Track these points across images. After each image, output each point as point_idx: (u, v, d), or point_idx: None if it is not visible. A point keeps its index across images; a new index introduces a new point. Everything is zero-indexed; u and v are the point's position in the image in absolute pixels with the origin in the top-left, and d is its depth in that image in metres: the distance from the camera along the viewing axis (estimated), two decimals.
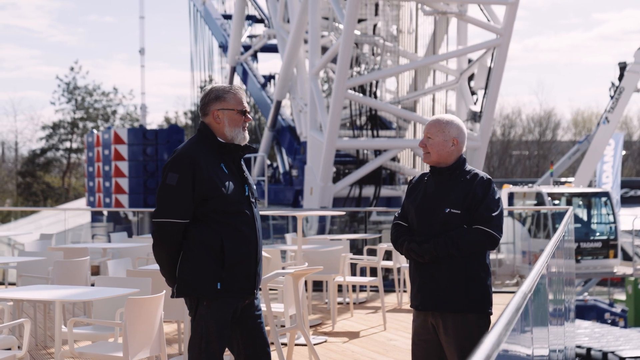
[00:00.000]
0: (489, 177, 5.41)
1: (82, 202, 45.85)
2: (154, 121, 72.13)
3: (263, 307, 8.46)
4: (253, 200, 5.25)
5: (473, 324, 5.24)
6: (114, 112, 63.19)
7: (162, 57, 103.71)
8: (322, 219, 20.80)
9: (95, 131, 32.01)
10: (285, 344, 8.63)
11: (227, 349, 5.34)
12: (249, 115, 5.23)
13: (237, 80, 30.45)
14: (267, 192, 24.93)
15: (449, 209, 5.28)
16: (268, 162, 27.81)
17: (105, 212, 28.30)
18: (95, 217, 29.44)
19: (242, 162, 5.30)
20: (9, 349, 6.58)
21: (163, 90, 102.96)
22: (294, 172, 24.32)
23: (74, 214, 33.89)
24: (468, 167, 5.46)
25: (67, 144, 62.75)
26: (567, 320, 10.25)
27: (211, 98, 5.19)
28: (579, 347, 22.85)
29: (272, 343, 8.12)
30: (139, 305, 6.15)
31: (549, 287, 5.97)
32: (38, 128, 64.08)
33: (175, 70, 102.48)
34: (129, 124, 61.75)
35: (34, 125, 75.10)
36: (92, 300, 7.12)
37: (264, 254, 9.90)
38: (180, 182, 5.03)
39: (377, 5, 22.56)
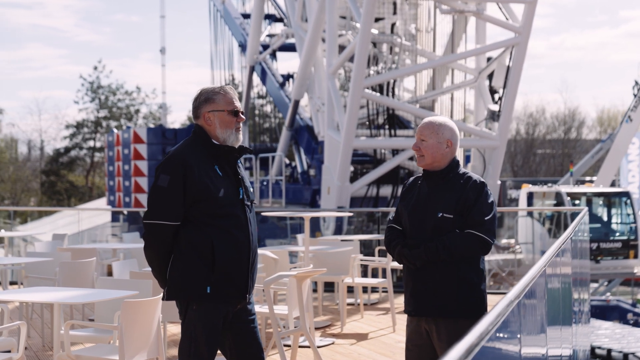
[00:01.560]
0: (482, 180, 5.33)
1: (104, 201, 46.01)
2: (177, 120, 72.22)
3: (265, 309, 8.42)
4: (248, 203, 5.18)
5: (466, 330, 5.15)
6: (137, 112, 63.41)
7: (187, 56, 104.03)
8: (339, 218, 20.73)
9: (115, 130, 32.13)
10: (289, 346, 8.56)
11: (220, 353, 5.30)
12: (241, 116, 5.17)
13: (256, 79, 30.48)
14: (285, 191, 24.89)
15: (441, 213, 5.21)
16: (287, 161, 27.78)
17: (125, 212, 28.38)
18: (115, 216, 29.54)
19: (240, 164, 5.24)
20: (9, 351, 6.56)
21: (188, 89, 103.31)
22: (312, 172, 24.27)
23: (95, 214, 34.01)
24: (462, 170, 5.38)
25: (91, 143, 63.03)
26: (579, 322, 10.14)
27: (201, 101, 5.15)
28: (599, 347, 22.70)
29: (274, 346, 8.08)
30: (135, 308, 6.11)
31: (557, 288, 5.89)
32: (62, 127, 64.31)
33: (201, 68, 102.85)
34: (152, 123, 61.93)
35: (58, 124, 75.44)
36: (90, 302, 7.10)
37: (270, 254, 9.86)
38: (171, 184, 4.99)
39: (395, 4, 22.47)
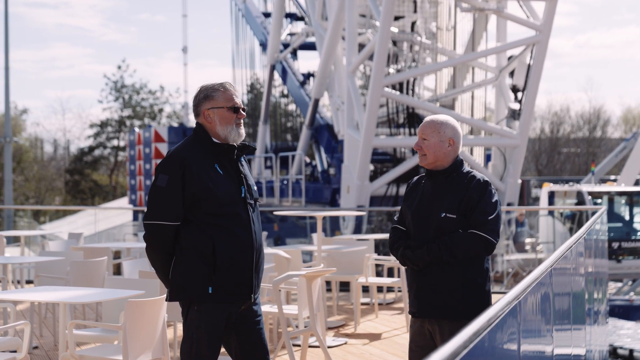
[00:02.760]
0: (486, 179, 5.24)
1: (126, 200, 46.17)
2: None
3: (273, 309, 8.37)
4: (251, 202, 5.12)
5: None
6: (161, 111, 63.57)
7: (211, 55, 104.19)
8: (358, 217, 20.67)
9: (136, 129, 32.20)
10: (299, 346, 8.51)
11: (226, 352, 5.25)
12: (242, 112, 5.10)
13: (277, 78, 30.44)
14: (306, 190, 24.84)
15: (444, 213, 5.13)
16: (307, 160, 27.72)
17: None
18: (136, 215, 29.62)
19: (243, 162, 5.18)
20: (15, 351, 6.55)
21: None
22: (332, 171, 24.21)
23: (117, 213, 34.09)
24: (466, 168, 5.29)
25: (115, 142, 63.25)
26: (595, 322, 10.04)
27: (201, 98, 5.09)
28: (620, 348, 22.49)
29: (284, 346, 8.04)
30: (140, 308, 6.08)
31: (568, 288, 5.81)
32: (86, 126, 64.61)
33: (224, 68, 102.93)
34: (176, 122, 62.05)
35: (82, 123, 75.79)
36: (95, 302, 7.07)
37: (283, 254, 9.80)
38: (170, 184, 4.93)
39: (415, 2, 22.37)
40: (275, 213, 12.33)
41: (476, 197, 5.14)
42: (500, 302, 3.45)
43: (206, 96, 5.07)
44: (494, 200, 5.18)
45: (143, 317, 6.12)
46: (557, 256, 5.34)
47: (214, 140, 5.05)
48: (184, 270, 4.99)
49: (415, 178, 5.48)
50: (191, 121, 59.56)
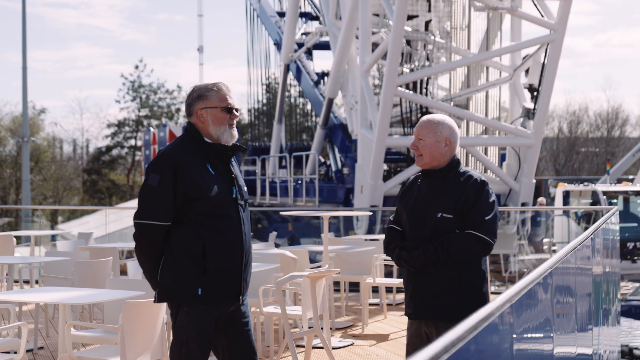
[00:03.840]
0: (483, 179, 5.19)
1: None
2: None
3: (274, 309, 8.33)
4: (242, 203, 5.08)
5: None
6: (178, 110, 63.64)
7: (230, 55, 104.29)
8: (372, 216, 20.60)
9: (152, 129, 32.24)
10: (303, 346, 8.46)
11: (213, 353, 5.21)
12: (235, 112, 5.06)
13: (291, 78, 30.41)
14: (320, 190, 24.80)
15: (440, 214, 5.08)
16: (322, 159, 27.66)
17: None
18: None
19: (233, 163, 5.14)
20: (15, 352, 6.52)
21: (235, 88, 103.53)
22: (346, 170, 24.15)
23: (131, 213, 34.08)
24: (462, 168, 5.25)
25: (132, 142, 63.35)
26: (605, 322, 9.94)
27: (194, 97, 5.05)
28: (636, 348, 22.34)
29: (287, 347, 7.98)
30: (137, 309, 6.06)
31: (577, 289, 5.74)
32: (104, 126, 64.76)
33: (243, 67, 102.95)
34: None
35: (100, 123, 76.04)
36: (92, 302, 7.04)
37: (289, 254, 9.76)
38: (161, 183, 4.88)
39: (429, 1, 22.28)
40: (281, 213, 12.27)
41: (473, 197, 5.09)
42: (492, 303, 3.39)
43: (200, 96, 5.03)
44: (491, 200, 5.13)
45: (141, 318, 6.09)
46: (559, 257, 5.27)
47: (206, 140, 5.00)
48: (174, 271, 4.94)
49: (411, 177, 5.44)
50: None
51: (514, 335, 3.80)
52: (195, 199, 4.88)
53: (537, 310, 4.58)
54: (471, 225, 5.05)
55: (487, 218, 5.07)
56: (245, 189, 5.19)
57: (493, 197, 5.17)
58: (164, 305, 6.15)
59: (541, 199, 25.35)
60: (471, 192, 5.11)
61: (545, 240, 25.54)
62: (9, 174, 55.12)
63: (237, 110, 5.08)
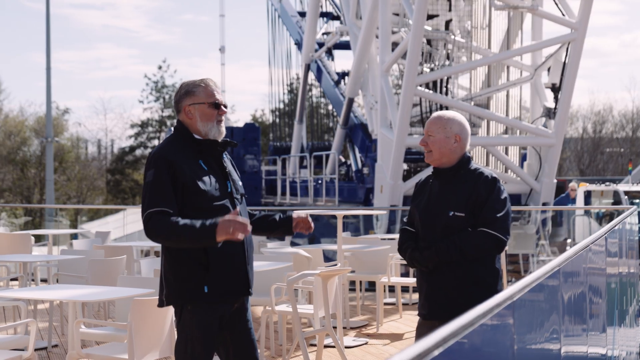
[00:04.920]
0: (494, 175, 5.15)
1: None
2: (241, 119, 72.45)
3: (286, 308, 8.32)
4: (238, 197, 5.06)
5: None
6: None
7: (255, 55, 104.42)
8: (392, 216, 20.56)
9: (172, 129, 32.28)
10: (315, 345, 8.44)
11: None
12: (223, 108, 5.04)
13: (311, 77, 30.41)
14: (340, 190, 24.79)
15: (452, 212, 5.06)
16: (342, 159, 27.64)
17: None
18: None
19: (225, 158, 5.12)
20: (23, 350, 6.54)
21: (258, 88, 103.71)
22: (366, 170, 24.12)
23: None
24: (474, 166, 5.21)
25: (155, 142, 63.50)
26: (622, 323, 9.87)
27: (182, 94, 5.02)
28: None
29: (298, 347, 7.97)
30: (146, 307, 6.06)
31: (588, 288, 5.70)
32: (127, 126, 65.03)
33: (267, 67, 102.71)
34: None
35: (124, 123, 76.33)
36: (100, 300, 7.05)
37: (303, 253, 9.76)
38: (158, 175, 4.84)
39: (449, 0, 22.21)
40: (295, 212, 12.23)
41: (484, 194, 5.07)
42: (490, 301, 3.37)
43: (187, 92, 5.01)
44: (503, 197, 5.10)
45: (150, 315, 6.10)
46: (567, 256, 5.23)
47: (196, 136, 4.99)
48: (177, 272, 4.89)
49: (423, 178, 5.42)
50: (233, 121, 59.90)
51: (514, 335, 3.77)
52: (191, 193, 4.84)
53: (543, 308, 4.54)
54: (483, 222, 5.04)
55: (499, 215, 5.04)
56: (240, 183, 5.15)
57: (505, 194, 5.14)
58: None
59: (572, 184, 25.18)
60: (482, 189, 5.09)
61: (569, 240, 25.41)
62: (33, 174, 55.41)
63: (225, 106, 5.06)
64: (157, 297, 6.01)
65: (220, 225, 4.66)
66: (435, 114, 5.28)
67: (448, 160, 5.19)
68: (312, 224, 5.17)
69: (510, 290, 3.66)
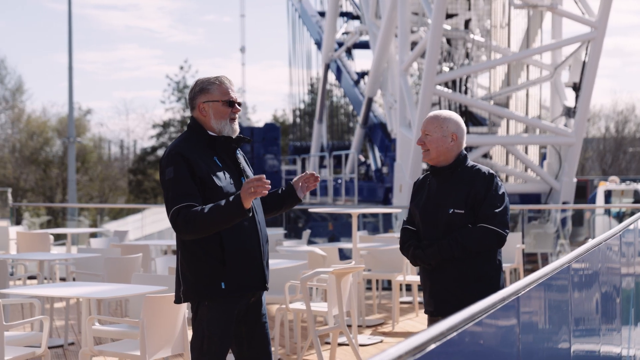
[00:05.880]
0: (491, 172, 5.25)
1: None
2: (262, 119, 72.48)
3: (300, 306, 8.34)
4: None
5: None
6: None
7: (277, 55, 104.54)
8: None
9: None
10: (329, 343, 8.46)
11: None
12: (237, 106, 5.06)
13: (331, 77, 30.43)
14: (359, 189, 24.79)
15: (452, 209, 5.15)
16: (362, 158, 27.64)
17: None
18: None
19: (239, 154, 5.14)
20: (38, 346, 6.59)
21: (280, 88, 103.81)
22: (385, 170, 24.12)
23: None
24: (470, 163, 5.31)
25: None
26: (636, 323, 9.82)
27: (196, 91, 5.04)
28: None
29: (312, 345, 7.99)
30: (158, 304, 6.09)
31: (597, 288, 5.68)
32: (149, 127, 65.18)
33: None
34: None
35: (146, 124, 76.65)
36: (113, 298, 7.09)
37: (319, 251, 9.77)
38: (178, 170, 4.85)
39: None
40: (310, 210, 12.30)
41: (482, 190, 5.17)
42: (492, 297, 3.37)
43: (202, 89, 5.03)
44: (501, 193, 5.20)
45: (162, 312, 6.13)
46: (578, 253, 5.22)
47: (210, 133, 5.01)
48: (194, 269, 4.90)
49: (421, 177, 5.52)
50: (254, 121, 59.99)
51: (519, 331, 3.76)
52: (208, 188, 4.86)
53: (552, 304, 4.54)
54: (483, 218, 5.13)
55: (497, 210, 5.15)
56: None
57: (503, 189, 5.26)
58: None
59: (613, 177, 25.13)
60: (480, 186, 5.19)
61: (589, 240, 25.30)
62: (56, 175, 55.67)
63: (239, 104, 5.08)
64: (170, 294, 6.07)
65: (242, 192, 4.69)
66: (431, 114, 5.38)
67: (445, 158, 5.29)
68: (316, 174, 5.18)
69: (515, 286, 3.66)
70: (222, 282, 4.87)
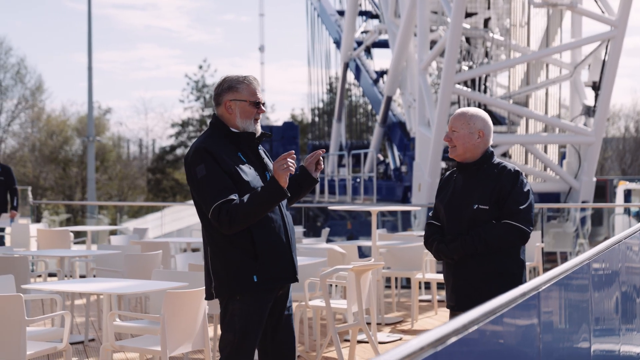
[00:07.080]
0: (517, 169, 5.29)
1: None
2: (280, 118, 72.55)
3: (320, 303, 8.35)
4: None
5: None
6: None
7: (296, 55, 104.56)
8: (429, 214, 20.50)
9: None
10: (349, 340, 8.47)
11: None
12: (262, 107, 5.10)
13: (350, 76, 30.43)
14: (378, 188, 24.78)
15: (477, 205, 5.20)
16: (381, 157, 27.63)
17: None
18: None
19: (261, 150, 5.18)
20: (59, 342, 6.62)
21: (299, 88, 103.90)
22: (404, 168, 24.11)
23: (194, 212, 34.31)
24: (496, 160, 5.36)
25: None
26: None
27: (224, 88, 5.10)
28: None
29: (331, 342, 8.00)
30: (178, 299, 6.12)
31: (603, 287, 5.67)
32: (168, 126, 65.41)
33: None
34: None
35: (164, 123, 76.85)
36: (133, 293, 7.11)
37: (338, 249, 9.78)
38: (209, 167, 4.89)
39: None
40: (330, 208, 12.32)
41: (508, 187, 5.21)
42: (514, 291, 3.38)
43: (230, 87, 5.08)
44: (525, 190, 5.24)
45: (182, 308, 6.16)
46: (596, 252, 5.22)
47: (233, 130, 5.05)
48: (226, 263, 4.93)
49: (447, 173, 5.56)
50: (273, 120, 60.04)
51: (539, 330, 3.76)
52: (235, 182, 4.91)
53: (572, 304, 4.54)
54: (507, 214, 5.17)
55: (522, 207, 5.18)
56: None
57: (528, 187, 5.30)
58: (204, 295, 6.20)
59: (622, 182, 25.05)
60: (506, 182, 5.23)
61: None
62: (75, 173, 55.90)
63: (264, 104, 5.12)
64: (191, 290, 6.10)
65: (275, 173, 4.84)
66: (458, 111, 5.42)
67: (472, 155, 5.34)
68: (321, 150, 5.21)
69: (536, 281, 3.67)
70: (254, 276, 4.90)
